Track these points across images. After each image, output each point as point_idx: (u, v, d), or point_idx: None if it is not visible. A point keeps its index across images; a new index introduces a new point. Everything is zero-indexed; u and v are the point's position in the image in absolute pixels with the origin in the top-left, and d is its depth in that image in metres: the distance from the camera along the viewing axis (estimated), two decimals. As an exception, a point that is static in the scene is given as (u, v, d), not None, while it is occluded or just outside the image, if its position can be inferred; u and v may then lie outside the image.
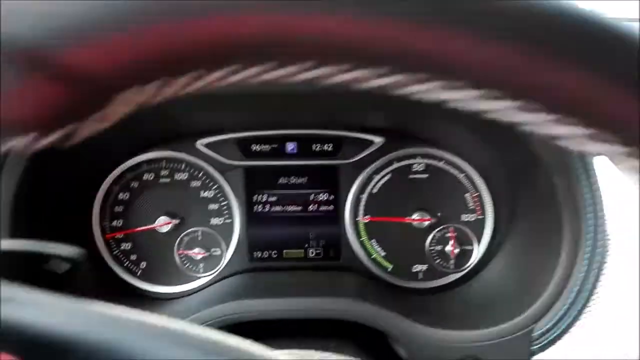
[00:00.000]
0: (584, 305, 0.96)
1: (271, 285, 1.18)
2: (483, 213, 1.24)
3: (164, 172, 1.24)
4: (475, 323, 1.04)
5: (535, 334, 0.97)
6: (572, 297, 0.96)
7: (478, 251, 1.25)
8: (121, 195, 1.25)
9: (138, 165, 1.24)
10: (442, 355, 1.01)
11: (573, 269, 0.96)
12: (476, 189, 1.24)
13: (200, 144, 1.22)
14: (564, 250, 0.97)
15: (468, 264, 1.25)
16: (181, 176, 1.25)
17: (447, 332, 1.02)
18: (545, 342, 0.97)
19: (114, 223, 1.26)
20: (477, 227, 1.24)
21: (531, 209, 1.09)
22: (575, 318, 0.96)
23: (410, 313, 1.05)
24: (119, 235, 1.26)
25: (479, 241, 1.25)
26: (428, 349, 1.01)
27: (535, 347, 0.98)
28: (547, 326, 0.97)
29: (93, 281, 1.19)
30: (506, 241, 1.19)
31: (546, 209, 1.02)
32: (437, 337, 1.02)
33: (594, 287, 0.96)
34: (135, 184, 1.25)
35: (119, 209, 1.25)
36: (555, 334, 0.97)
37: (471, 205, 1.24)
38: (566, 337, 0.98)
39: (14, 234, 0.99)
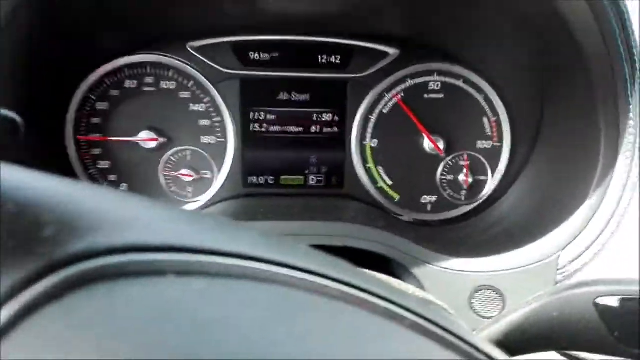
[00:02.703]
0: (615, 231, 0.88)
1: (268, 209, 1.06)
2: (500, 140, 1.14)
3: (148, 80, 1.09)
4: (493, 251, 0.95)
5: (562, 261, 0.89)
6: (604, 223, 0.88)
7: (492, 181, 1.15)
8: (99, 105, 1.09)
9: (119, 70, 1.08)
10: (454, 286, 0.92)
11: (606, 193, 0.88)
12: (495, 113, 1.13)
13: (191, 47, 1.07)
14: (597, 172, 0.88)
15: (480, 196, 1.16)
16: (168, 85, 1.10)
17: (460, 260, 0.93)
18: (572, 270, 0.89)
19: (91, 136, 1.11)
20: (493, 155, 1.15)
21: (559, 130, 0.99)
22: (605, 244, 0.89)
23: (419, 241, 0.95)
24: (96, 151, 1.11)
25: (493, 171, 1.15)
26: (439, 278, 0.91)
27: (561, 275, 0.90)
28: (575, 253, 0.89)
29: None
30: (525, 169, 1.09)
31: (580, 128, 0.92)
32: (450, 265, 0.92)
33: (625, 212, 0.88)
34: (115, 93, 1.09)
35: (96, 120, 1.10)
36: (583, 262, 0.89)
37: (488, 130, 1.14)
38: (593, 264, 0.90)
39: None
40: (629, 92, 0.82)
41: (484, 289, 0.91)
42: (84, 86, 1.08)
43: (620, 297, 0.57)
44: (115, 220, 0.26)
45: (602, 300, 0.57)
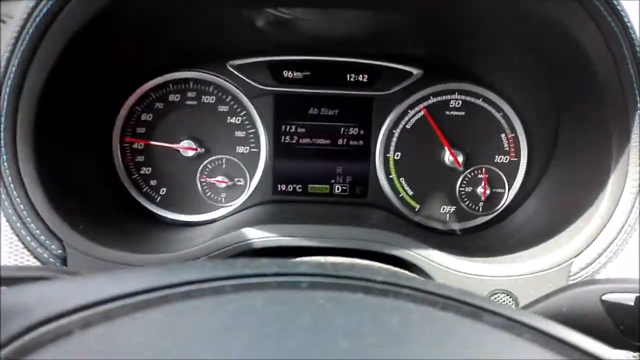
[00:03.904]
0: (626, 240, 0.94)
1: (296, 213, 1.14)
2: (517, 155, 1.21)
3: (190, 94, 1.19)
4: (509, 258, 1.01)
5: (574, 269, 0.95)
6: (616, 231, 0.93)
7: (509, 194, 1.22)
8: (144, 117, 1.19)
9: (164, 85, 1.19)
10: (471, 288, 0.97)
11: (618, 203, 0.94)
12: (512, 130, 1.20)
13: (231, 65, 1.16)
14: (610, 184, 0.94)
15: (497, 208, 1.22)
16: (208, 99, 1.19)
17: (477, 265, 0.99)
18: (584, 277, 0.95)
19: (135, 146, 1.21)
20: (510, 169, 1.21)
21: (574, 147, 1.06)
22: (616, 253, 0.94)
23: (437, 247, 1.01)
24: (139, 158, 1.21)
25: (510, 184, 1.22)
26: (457, 281, 0.97)
27: (573, 282, 0.95)
28: (587, 261, 0.94)
29: (110, 206, 1.14)
30: (541, 182, 1.16)
31: (593, 144, 0.98)
32: (467, 270, 0.98)
33: (637, 222, 0.94)
34: (159, 105, 1.19)
35: (141, 130, 1.20)
36: (594, 269, 0.94)
37: (506, 146, 1.21)
38: (604, 271, 0.96)
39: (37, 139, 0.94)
40: (639, 109, 0.89)
41: (498, 292, 0.97)
42: (132, 99, 1.18)
43: (625, 293, 0.63)
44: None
45: (608, 297, 0.63)
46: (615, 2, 0.80)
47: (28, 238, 0.91)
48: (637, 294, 0.63)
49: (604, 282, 0.65)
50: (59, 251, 0.93)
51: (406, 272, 0.83)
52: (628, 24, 0.82)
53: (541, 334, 0.37)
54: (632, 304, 0.62)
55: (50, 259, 0.94)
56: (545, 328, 0.37)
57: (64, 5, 0.86)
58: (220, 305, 0.35)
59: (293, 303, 0.35)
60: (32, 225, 0.91)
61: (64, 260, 0.94)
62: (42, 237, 0.92)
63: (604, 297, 0.64)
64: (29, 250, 0.92)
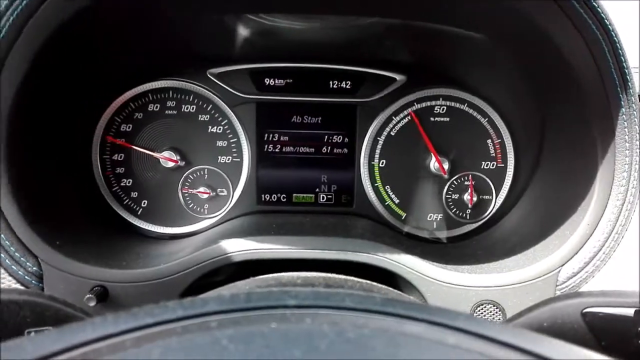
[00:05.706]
0: (613, 248, 0.92)
1: (280, 225, 1.11)
2: (504, 161, 1.19)
3: (170, 104, 1.17)
4: (495, 267, 0.99)
5: (561, 277, 0.93)
6: (602, 239, 0.91)
7: (496, 201, 1.20)
8: (124, 127, 1.17)
9: (143, 94, 1.16)
10: (456, 300, 0.96)
11: (604, 211, 0.92)
12: (498, 136, 1.18)
13: (211, 73, 1.14)
14: (595, 192, 0.92)
15: (485, 215, 1.20)
16: (189, 108, 1.17)
17: (463, 275, 0.96)
18: (571, 285, 0.93)
19: (115, 157, 1.18)
20: (497, 175, 1.19)
21: (560, 153, 1.04)
22: (603, 261, 0.92)
23: (424, 257, 0.99)
24: (119, 170, 1.18)
25: (497, 191, 1.20)
26: (441, 292, 0.95)
27: (560, 292, 0.93)
28: (574, 269, 0.92)
29: (89, 219, 1.12)
30: (528, 189, 1.13)
31: (578, 150, 0.96)
32: (453, 280, 0.96)
33: (623, 229, 0.92)
34: (139, 116, 1.17)
35: (120, 141, 1.17)
36: (582, 278, 0.92)
37: (492, 152, 1.19)
38: (592, 280, 0.94)
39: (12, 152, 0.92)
40: (623, 115, 0.87)
41: (485, 303, 0.95)
42: (111, 109, 1.16)
43: (607, 307, 0.60)
44: None
45: (589, 311, 0.61)
46: (596, 5, 0.78)
47: (2, 255, 0.88)
48: (621, 307, 0.60)
49: (585, 295, 0.62)
50: (34, 268, 0.91)
51: (354, 279, 0.81)
52: (610, 28, 0.80)
53: (469, 335, 0.34)
54: (614, 317, 0.60)
55: (26, 277, 0.91)
56: (473, 328, 0.35)
57: (36, 9, 0.83)
58: None
59: (190, 350, 0.33)
60: (6, 241, 0.88)
61: (40, 278, 0.92)
62: (16, 253, 0.89)
63: (585, 311, 0.62)
64: (2, 267, 0.90)
